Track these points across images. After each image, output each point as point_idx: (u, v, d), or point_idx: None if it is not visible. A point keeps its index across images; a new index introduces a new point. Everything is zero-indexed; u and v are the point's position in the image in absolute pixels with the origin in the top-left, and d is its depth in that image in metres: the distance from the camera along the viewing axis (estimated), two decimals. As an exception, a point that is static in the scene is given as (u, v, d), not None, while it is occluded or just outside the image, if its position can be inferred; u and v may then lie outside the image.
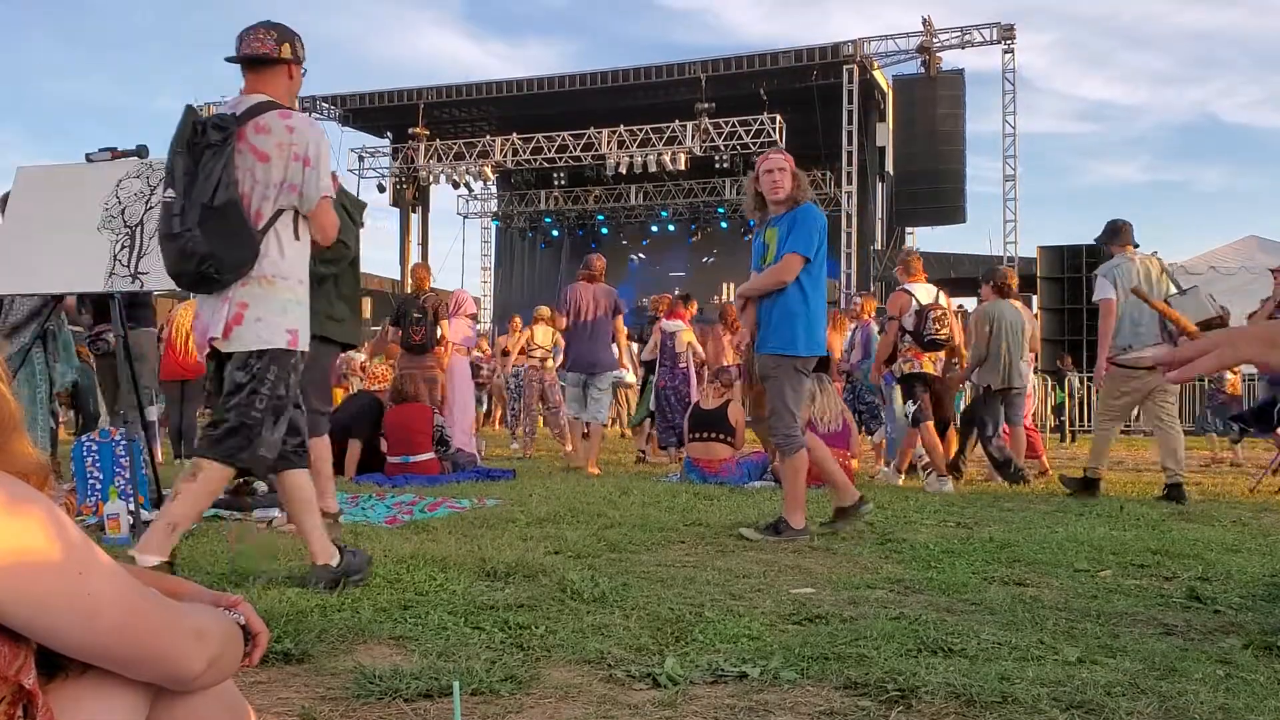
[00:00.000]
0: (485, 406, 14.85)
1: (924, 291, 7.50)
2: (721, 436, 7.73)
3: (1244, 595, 3.29)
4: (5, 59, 64.35)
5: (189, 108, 3.23)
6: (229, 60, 3.35)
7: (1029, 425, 8.79)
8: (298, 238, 3.27)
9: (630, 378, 12.45)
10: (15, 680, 0.96)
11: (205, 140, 3.09)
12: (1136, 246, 6.76)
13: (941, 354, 7.55)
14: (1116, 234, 6.75)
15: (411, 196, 27.71)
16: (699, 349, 9.68)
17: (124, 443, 4.86)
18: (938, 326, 7.28)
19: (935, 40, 21.76)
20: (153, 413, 6.09)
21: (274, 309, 3.21)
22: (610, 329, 8.72)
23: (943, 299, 7.54)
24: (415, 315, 8.89)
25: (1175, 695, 2.13)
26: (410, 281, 11.00)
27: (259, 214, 3.17)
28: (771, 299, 4.74)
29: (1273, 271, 7.89)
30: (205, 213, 3.04)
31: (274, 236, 3.20)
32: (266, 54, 3.31)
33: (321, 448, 4.94)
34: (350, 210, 4.81)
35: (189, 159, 3.10)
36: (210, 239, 3.05)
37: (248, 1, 66.96)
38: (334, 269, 4.71)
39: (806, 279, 4.73)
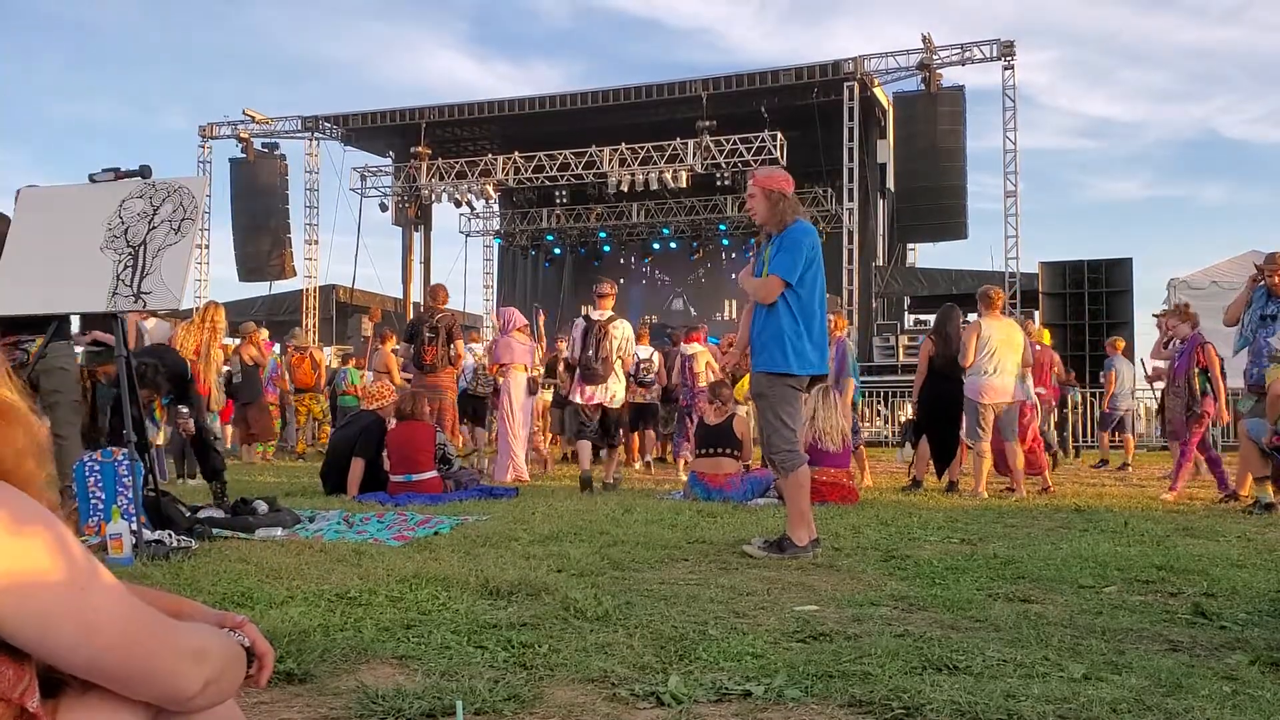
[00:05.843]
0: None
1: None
2: (728, 451, 7.75)
3: (1250, 611, 3.27)
4: (11, 81, 64.80)
5: (589, 322, 8.30)
6: (600, 294, 8.37)
7: (1035, 441, 8.78)
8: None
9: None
10: (19, 703, 0.96)
11: (602, 333, 7.96)
12: None
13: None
14: None
15: (414, 215, 27.73)
16: (716, 367, 10.42)
17: (126, 462, 4.85)
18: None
19: (935, 57, 21.78)
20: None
21: (619, 388, 8.32)
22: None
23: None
24: (427, 335, 8.93)
25: (1181, 712, 2.12)
26: (425, 300, 11.05)
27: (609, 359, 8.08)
28: (762, 320, 4.80)
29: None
30: (603, 363, 7.82)
31: (617, 364, 8.23)
32: (611, 293, 8.18)
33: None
34: None
35: (595, 342, 7.94)
36: (605, 371, 7.93)
37: (254, 24, 67.30)
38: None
39: (794, 300, 4.75)
